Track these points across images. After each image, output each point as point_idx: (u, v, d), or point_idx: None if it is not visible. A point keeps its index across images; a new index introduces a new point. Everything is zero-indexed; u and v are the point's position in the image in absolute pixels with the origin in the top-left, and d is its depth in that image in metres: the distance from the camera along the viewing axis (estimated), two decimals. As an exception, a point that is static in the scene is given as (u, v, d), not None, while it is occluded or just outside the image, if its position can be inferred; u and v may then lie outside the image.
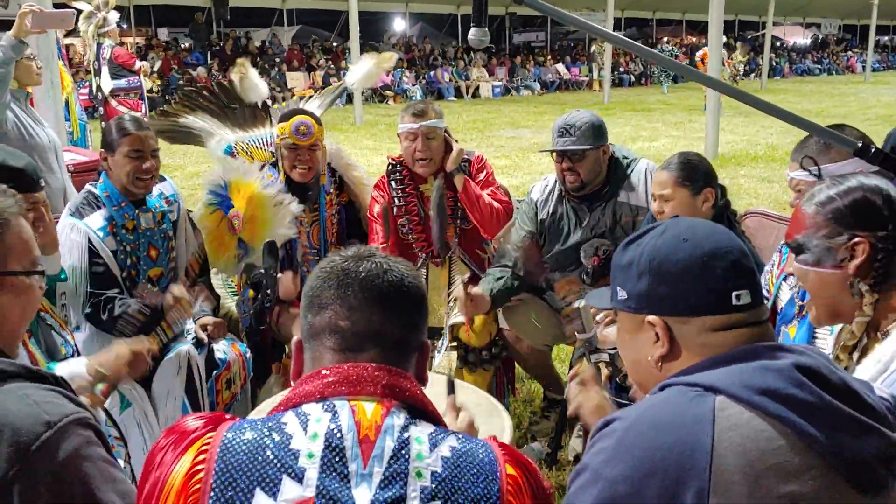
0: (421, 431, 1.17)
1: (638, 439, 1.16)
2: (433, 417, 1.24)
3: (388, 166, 3.40)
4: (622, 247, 1.35)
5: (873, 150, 1.74)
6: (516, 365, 3.49)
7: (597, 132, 2.99)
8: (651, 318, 1.28)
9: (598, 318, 2.41)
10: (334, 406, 1.16)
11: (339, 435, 1.13)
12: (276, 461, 1.10)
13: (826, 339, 1.90)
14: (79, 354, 2.22)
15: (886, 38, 38.18)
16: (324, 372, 1.21)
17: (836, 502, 1.12)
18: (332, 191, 3.39)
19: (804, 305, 2.15)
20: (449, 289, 3.41)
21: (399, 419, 1.17)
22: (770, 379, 1.15)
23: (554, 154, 3.05)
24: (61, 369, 2.05)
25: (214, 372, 2.86)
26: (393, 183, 3.36)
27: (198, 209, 3.19)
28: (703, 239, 1.26)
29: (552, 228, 3.15)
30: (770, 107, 1.82)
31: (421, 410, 1.22)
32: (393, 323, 1.26)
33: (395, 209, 3.34)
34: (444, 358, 3.34)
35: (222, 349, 2.90)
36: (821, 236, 1.58)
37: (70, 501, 1.18)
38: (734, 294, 1.23)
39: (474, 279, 3.34)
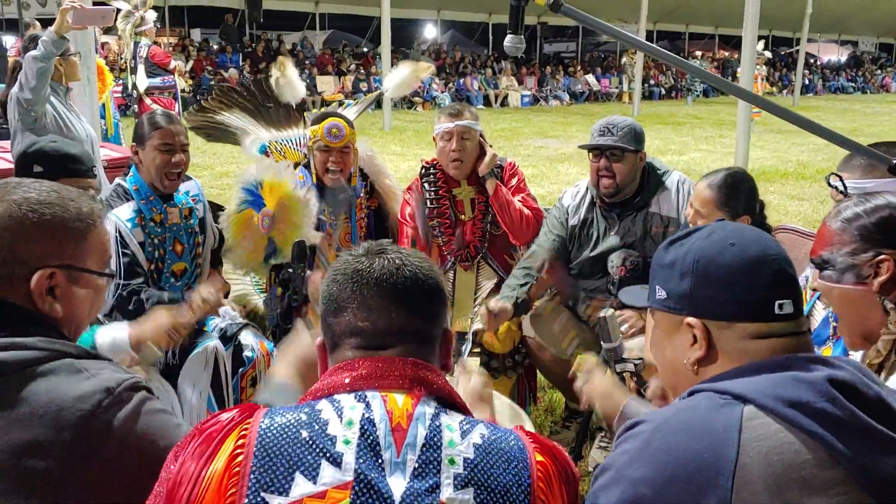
0: (451, 420, 1.19)
1: (663, 443, 1.16)
2: (460, 408, 1.25)
3: (421, 169, 3.42)
4: (665, 246, 1.34)
5: None
6: (538, 374, 3.48)
7: (637, 136, 3.00)
8: (691, 319, 1.27)
9: (623, 328, 2.41)
10: (366, 396, 1.18)
11: (372, 423, 1.14)
12: (314, 445, 1.12)
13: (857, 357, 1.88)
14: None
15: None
16: (350, 366, 1.22)
17: None
18: (362, 194, 3.41)
19: (836, 327, 2.13)
20: (476, 293, 3.42)
21: (430, 408, 1.18)
22: (801, 391, 1.14)
23: (591, 154, 3.05)
24: (103, 334, 2.13)
25: (241, 369, 2.88)
26: (426, 185, 3.37)
27: (230, 207, 3.23)
28: (751, 244, 1.25)
29: (582, 235, 3.15)
30: (804, 121, 1.82)
31: (449, 401, 1.24)
32: (413, 319, 1.27)
33: (426, 211, 3.36)
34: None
35: (250, 347, 2.93)
36: (845, 253, 1.56)
37: (138, 456, 1.28)
38: (777, 303, 1.22)
39: (501, 286, 3.35)
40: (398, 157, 11.09)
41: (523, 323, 3.20)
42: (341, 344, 1.27)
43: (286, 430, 1.14)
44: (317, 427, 1.14)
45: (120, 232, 2.81)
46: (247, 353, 2.90)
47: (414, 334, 1.26)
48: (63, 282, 1.39)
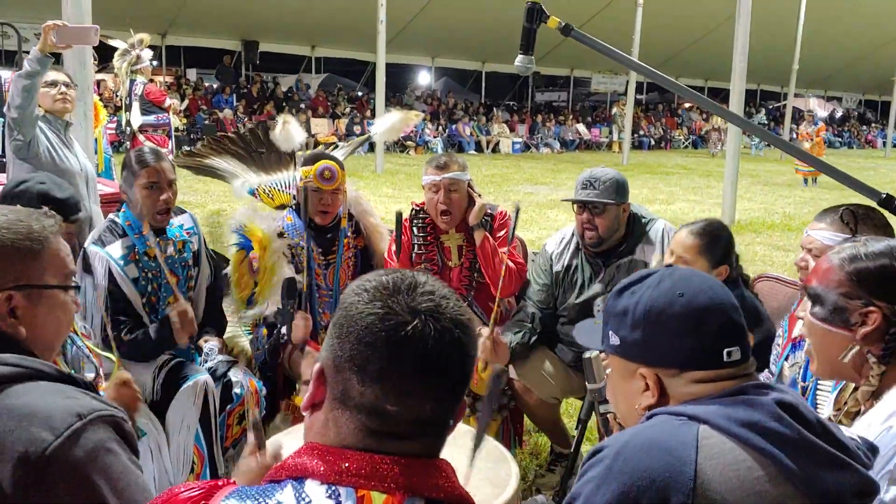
0: None
1: (625, 465, 1.19)
2: (457, 499, 1.07)
3: (411, 211, 3.43)
4: (616, 291, 1.37)
5: None
6: (524, 417, 3.48)
7: (620, 189, 3.05)
8: (644, 370, 1.30)
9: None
10: (339, 494, 1.00)
11: None
12: None
13: (825, 404, 1.90)
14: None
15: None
16: (335, 454, 1.03)
17: None
18: (349, 235, 3.44)
19: (806, 387, 2.14)
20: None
21: None
22: (752, 413, 1.19)
23: (575, 206, 3.10)
24: None
25: (228, 406, 2.88)
26: (415, 229, 3.38)
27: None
28: (699, 293, 1.28)
29: (566, 281, 3.19)
30: (836, 171, 1.88)
31: (445, 499, 1.05)
32: (443, 406, 1.06)
33: (413, 255, 3.37)
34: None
35: (239, 384, 2.92)
36: (838, 293, 1.54)
37: (91, 490, 1.23)
38: (725, 351, 1.26)
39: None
40: (389, 199, 11.16)
41: (509, 365, 3.21)
42: (350, 410, 1.04)
43: None
44: None
45: (110, 270, 2.83)
46: (236, 389, 2.90)
47: (436, 426, 1.07)
48: (22, 302, 1.39)
